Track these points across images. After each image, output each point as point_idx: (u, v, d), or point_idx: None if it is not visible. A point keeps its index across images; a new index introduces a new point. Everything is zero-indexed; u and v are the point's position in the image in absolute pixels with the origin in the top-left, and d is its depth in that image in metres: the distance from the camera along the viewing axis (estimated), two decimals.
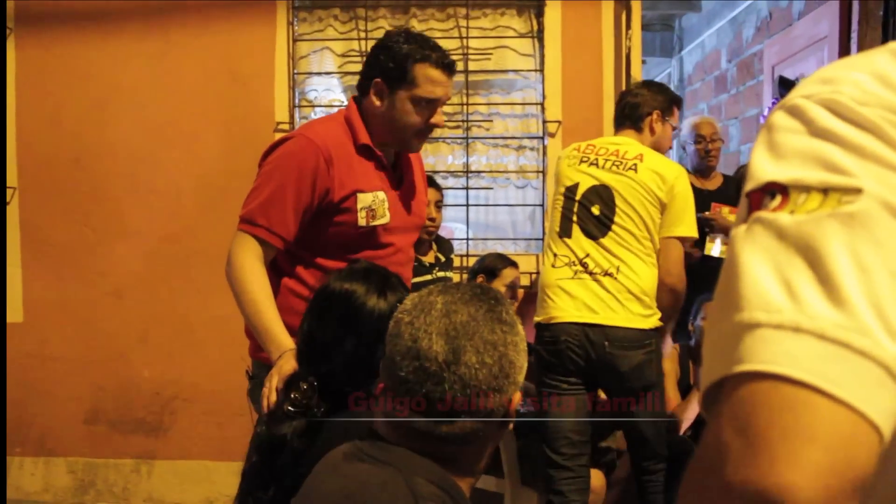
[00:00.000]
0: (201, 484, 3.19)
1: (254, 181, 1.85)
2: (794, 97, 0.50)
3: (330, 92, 3.23)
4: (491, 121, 3.23)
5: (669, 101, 2.55)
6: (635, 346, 2.28)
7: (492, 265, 2.81)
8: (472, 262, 2.97)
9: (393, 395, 1.03)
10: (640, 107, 2.49)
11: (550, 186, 3.12)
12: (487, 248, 3.21)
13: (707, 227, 3.05)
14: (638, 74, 3.09)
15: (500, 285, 2.75)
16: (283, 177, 1.78)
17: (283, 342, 1.66)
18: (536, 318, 2.45)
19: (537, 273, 3.15)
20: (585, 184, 2.39)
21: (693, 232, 2.43)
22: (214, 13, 3.17)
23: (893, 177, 0.45)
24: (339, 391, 1.43)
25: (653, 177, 2.34)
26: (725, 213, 3.13)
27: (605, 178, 2.37)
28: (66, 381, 3.23)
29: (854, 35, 3.10)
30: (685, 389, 2.86)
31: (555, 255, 2.41)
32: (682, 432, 2.63)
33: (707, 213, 3.07)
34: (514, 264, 2.84)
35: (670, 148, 2.69)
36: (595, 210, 2.36)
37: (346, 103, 2.14)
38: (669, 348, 2.62)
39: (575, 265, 2.35)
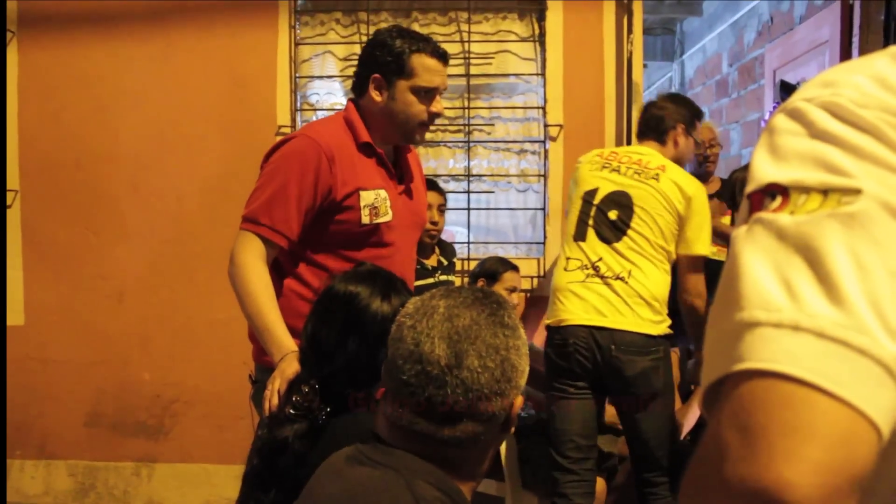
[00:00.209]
0: (202, 487, 3.19)
1: (256, 182, 1.85)
2: (795, 100, 0.51)
3: (332, 95, 3.24)
4: (492, 124, 3.23)
5: (693, 115, 2.59)
6: (642, 351, 2.28)
7: (492, 269, 2.81)
8: (473, 265, 2.97)
9: (395, 398, 1.03)
10: (664, 119, 2.52)
11: (552, 190, 3.13)
12: (488, 251, 3.21)
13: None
14: (639, 78, 3.09)
15: (500, 289, 2.75)
16: (286, 176, 1.79)
17: (285, 344, 1.66)
18: (547, 321, 2.47)
19: (538, 276, 3.15)
20: (605, 189, 2.41)
21: (709, 250, 2.45)
22: (216, 16, 3.17)
23: (892, 178, 0.46)
24: (341, 393, 1.43)
25: (673, 189, 2.37)
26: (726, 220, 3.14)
27: (626, 184, 2.39)
28: (66, 384, 3.23)
29: (855, 39, 3.11)
30: (685, 394, 2.86)
31: (567, 258, 2.43)
32: (682, 437, 2.63)
33: None
34: (514, 268, 2.84)
35: (691, 161, 2.70)
36: (612, 215, 2.37)
37: None
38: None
39: (587, 269, 2.36)
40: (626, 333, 2.28)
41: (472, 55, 3.17)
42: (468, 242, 3.21)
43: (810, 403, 0.41)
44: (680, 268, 2.41)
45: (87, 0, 3.19)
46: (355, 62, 1.98)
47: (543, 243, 3.17)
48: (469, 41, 3.16)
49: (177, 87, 3.18)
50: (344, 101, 3.18)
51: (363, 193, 1.84)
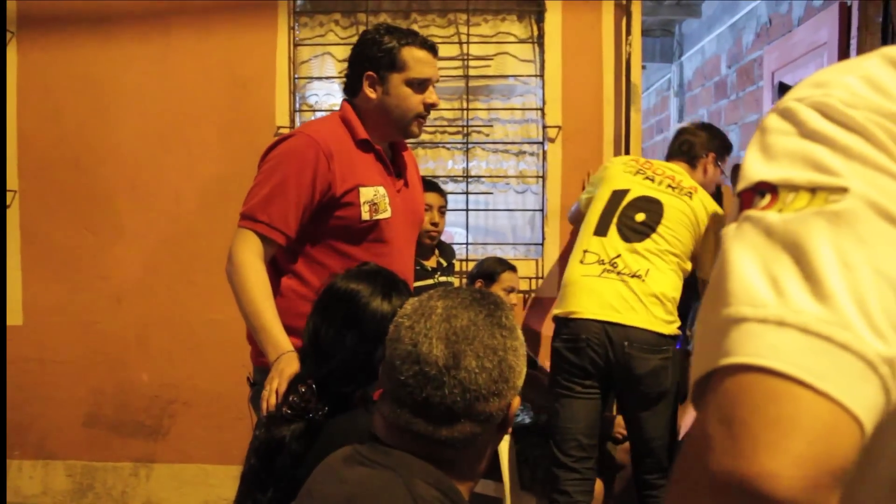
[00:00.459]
0: (200, 487, 3.19)
1: (254, 180, 1.86)
2: (787, 100, 0.52)
3: (331, 96, 3.24)
4: (491, 126, 3.24)
5: (724, 148, 2.68)
6: (653, 349, 2.29)
7: (490, 269, 2.81)
8: (471, 266, 2.98)
9: (393, 398, 1.03)
10: (695, 146, 2.61)
11: (551, 191, 3.14)
12: (487, 252, 3.22)
13: None
14: (638, 80, 3.10)
15: (498, 289, 2.75)
16: (284, 173, 1.79)
17: (281, 343, 1.66)
18: (556, 312, 2.47)
19: (537, 277, 3.15)
20: (636, 192, 2.45)
21: None
22: (215, 17, 3.17)
23: (880, 177, 0.46)
24: (338, 392, 1.44)
25: (702, 210, 2.44)
26: None
27: (659, 194, 2.44)
28: (65, 384, 3.23)
29: (853, 41, 3.11)
30: (684, 396, 2.86)
31: (585, 251, 2.44)
32: (680, 438, 2.63)
33: None
34: (512, 268, 2.84)
35: (712, 192, 2.78)
36: (639, 217, 2.41)
37: None
38: None
39: (604, 264, 2.38)
40: (640, 331, 2.29)
41: (470, 56, 3.17)
42: (466, 243, 3.22)
43: (793, 397, 0.42)
44: (702, 288, 2.44)
45: (87, 1, 3.19)
46: None
47: (542, 244, 3.17)
48: (468, 42, 3.16)
49: (176, 88, 3.18)
50: None
51: (363, 190, 1.84)
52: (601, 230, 2.43)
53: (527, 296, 3.14)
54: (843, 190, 0.46)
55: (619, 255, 2.36)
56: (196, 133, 3.18)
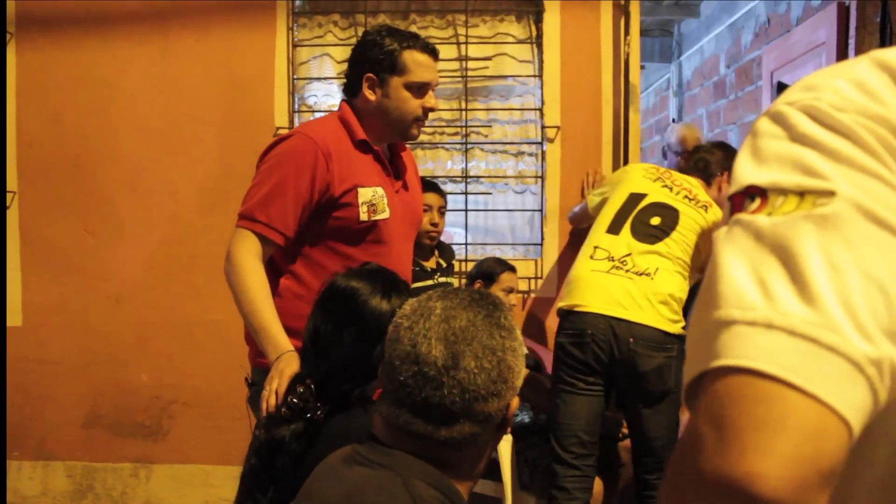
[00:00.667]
0: (199, 488, 3.19)
1: (252, 180, 1.86)
2: (778, 104, 0.52)
3: (329, 97, 3.24)
4: (490, 126, 3.24)
5: None
6: (659, 347, 2.29)
7: (489, 270, 2.81)
8: (471, 266, 2.98)
9: (392, 399, 1.03)
10: (711, 164, 2.64)
11: (550, 191, 3.14)
12: (486, 252, 3.22)
13: None
14: (636, 80, 3.10)
15: (498, 290, 2.76)
16: (283, 173, 1.79)
17: (280, 343, 1.66)
18: (560, 304, 2.47)
19: (536, 278, 3.16)
20: (654, 197, 2.48)
21: None
22: (214, 17, 3.17)
23: (867, 180, 0.47)
24: (337, 391, 1.44)
25: (716, 225, 2.44)
26: None
27: (676, 203, 2.46)
28: (64, 384, 3.23)
29: (851, 41, 3.12)
30: None
31: (595, 247, 2.46)
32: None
33: None
34: (511, 269, 2.84)
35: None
36: (654, 221, 2.43)
37: None
38: None
39: (613, 261, 2.39)
40: (645, 328, 2.29)
41: (469, 57, 3.17)
42: (466, 244, 3.22)
43: (781, 399, 0.42)
44: None
45: (86, 1, 3.19)
46: None
47: (541, 244, 3.17)
48: (467, 43, 3.16)
49: (175, 89, 3.19)
50: None
51: (361, 190, 1.84)
52: (614, 229, 2.45)
53: (526, 296, 3.14)
54: (830, 193, 0.46)
55: (629, 254, 2.38)
56: (195, 134, 3.18)
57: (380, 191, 1.88)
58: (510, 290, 2.79)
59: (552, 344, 2.60)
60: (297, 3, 3.21)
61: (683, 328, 2.38)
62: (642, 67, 4.85)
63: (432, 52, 1.90)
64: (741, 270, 0.46)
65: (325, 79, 3.23)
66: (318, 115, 3.20)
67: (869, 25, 3.05)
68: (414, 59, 1.87)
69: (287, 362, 1.58)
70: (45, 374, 3.24)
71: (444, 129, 3.23)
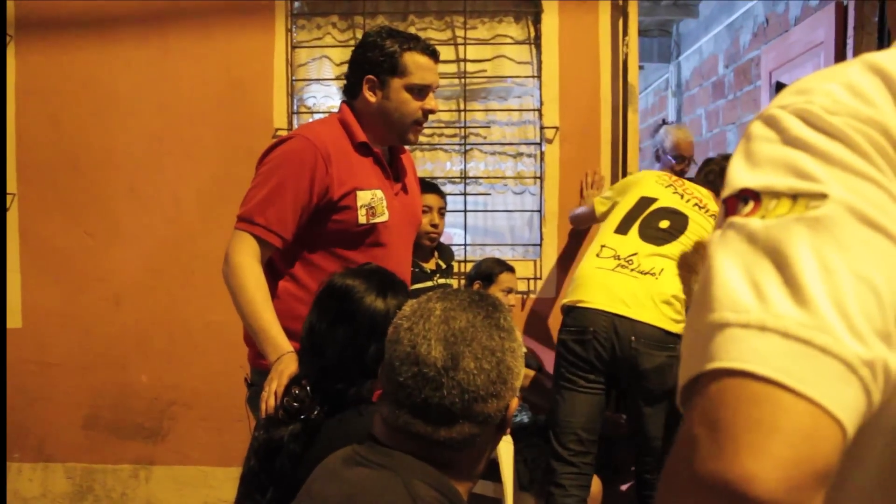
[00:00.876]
0: (199, 489, 3.19)
1: (251, 182, 1.86)
2: (771, 107, 0.53)
3: (329, 99, 3.24)
4: (489, 127, 3.24)
5: None
6: (660, 346, 2.30)
7: (488, 270, 2.81)
8: (470, 267, 2.98)
9: (392, 399, 1.03)
10: (721, 175, 2.63)
11: (549, 192, 3.14)
12: (485, 253, 3.22)
13: None
14: (635, 80, 3.10)
15: (497, 290, 2.76)
16: (282, 176, 1.79)
17: (280, 344, 1.66)
18: (564, 301, 2.49)
19: (535, 278, 3.16)
20: (664, 202, 2.49)
21: None
22: (213, 19, 3.18)
23: (859, 182, 0.47)
24: (332, 390, 1.44)
25: None
26: None
27: (685, 209, 2.48)
28: (64, 386, 3.24)
29: (850, 41, 3.12)
30: None
31: (602, 246, 2.47)
32: None
33: None
34: (510, 269, 2.84)
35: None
36: (662, 224, 2.45)
37: None
38: None
39: (619, 259, 2.41)
40: (647, 326, 2.30)
41: (468, 58, 3.17)
42: (465, 244, 3.22)
43: (775, 400, 0.42)
44: None
45: (85, 3, 3.20)
46: None
47: (540, 245, 3.18)
48: (465, 44, 3.16)
49: (174, 91, 3.19)
50: None
51: (360, 193, 1.84)
52: (622, 229, 2.47)
53: (525, 296, 3.15)
54: (822, 196, 0.47)
55: (635, 254, 2.39)
56: (194, 135, 3.18)
57: (379, 193, 1.88)
58: (509, 291, 2.79)
59: (554, 342, 2.61)
60: (296, 4, 3.21)
61: None
62: (641, 68, 4.85)
63: (433, 54, 1.90)
64: (735, 273, 0.47)
65: (324, 80, 3.23)
66: (317, 116, 3.20)
67: (867, 25, 3.05)
68: (415, 61, 1.86)
69: (286, 363, 1.59)
70: (45, 376, 3.24)
71: (442, 130, 3.23)
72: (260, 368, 1.79)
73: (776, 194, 0.48)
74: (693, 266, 2.41)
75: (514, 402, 1.06)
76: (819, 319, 0.44)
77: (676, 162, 3.51)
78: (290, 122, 3.16)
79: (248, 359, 1.92)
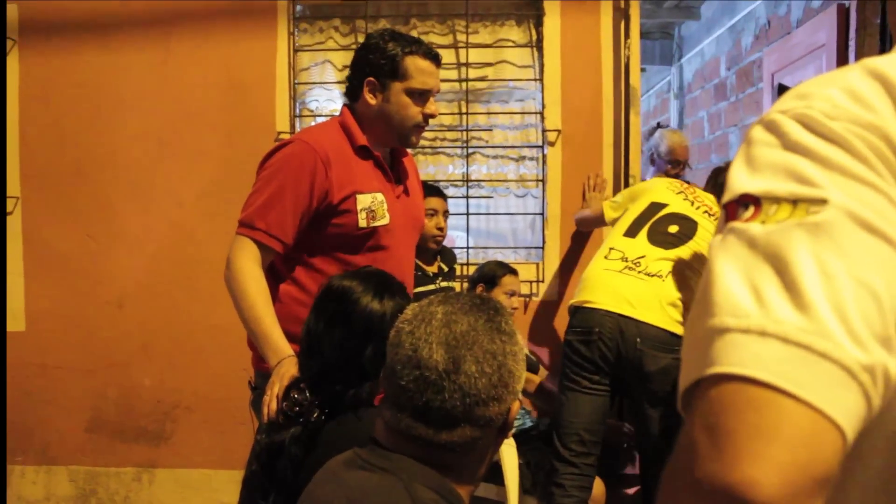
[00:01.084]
0: (202, 492, 3.19)
1: (252, 187, 1.86)
2: (772, 112, 0.53)
3: (331, 102, 3.25)
4: (491, 130, 3.25)
5: None
6: (666, 348, 2.30)
7: (491, 273, 2.81)
8: (472, 270, 2.98)
9: (393, 403, 1.04)
10: None
11: (551, 195, 3.14)
12: (488, 256, 3.22)
13: None
14: (637, 83, 3.11)
15: (500, 293, 2.76)
16: (282, 181, 1.79)
17: (281, 348, 1.66)
18: (571, 301, 2.50)
19: (537, 281, 3.16)
20: (675, 208, 2.51)
21: None
22: (216, 23, 3.18)
23: (859, 187, 0.47)
24: (331, 392, 1.44)
25: None
26: None
27: (695, 216, 2.50)
28: (67, 389, 3.24)
29: (852, 43, 3.12)
30: None
31: (610, 248, 2.49)
32: None
33: None
34: (513, 272, 2.84)
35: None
36: (671, 229, 2.46)
37: None
38: None
39: (627, 261, 2.42)
40: (653, 328, 2.30)
41: (470, 62, 3.18)
42: (467, 247, 3.23)
43: (775, 406, 0.42)
44: None
45: (88, 8, 3.21)
46: None
47: (542, 248, 3.18)
48: (467, 47, 3.17)
49: (176, 94, 3.20)
50: None
51: (360, 197, 1.84)
52: (631, 232, 2.49)
53: (528, 299, 3.15)
54: (822, 201, 0.47)
55: (643, 256, 2.40)
56: (196, 139, 3.19)
57: (379, 197, 1.88)
58: (512, 294, 2.79)
59: (557, 345, 2.61)
60: (298, 7, 3.21)
61: None
62: (643, 70, 4.85)
63: (435, 59, 1.90)
64: (735, 278, 0.47)
65: (326, 83, 3.23)
66: (319, 119, 3.21)
67: (869, 27, 3.05)
68: (416, 65, 1.86)
69: (287, 367, 1.59)
70: (48, 379, 3.25)
71: (445, 133, 3.24)
72: (263, 372, 1.79)
73: (776, 199, 0.48)
74: (699, 270, 2.41)
75: (516, 406, 1.06)
76: (819, 325, 0.44)
77: (672, 166, 3.53)
78: (293, 126, 3.17)
79: (251, 362, 1.93)
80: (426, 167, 3.23)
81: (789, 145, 0.50)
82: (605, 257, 2.47)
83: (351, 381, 1.44)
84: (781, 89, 3.48)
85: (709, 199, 2.59)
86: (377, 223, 1.86)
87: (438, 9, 3.21)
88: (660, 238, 2.43)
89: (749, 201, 0.49)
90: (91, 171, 3.22)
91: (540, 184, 3.20)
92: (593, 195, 3.05)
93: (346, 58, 3.18)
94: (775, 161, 0.50)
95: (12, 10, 3.19)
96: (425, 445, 1.01)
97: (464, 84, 3.17)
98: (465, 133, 3.22)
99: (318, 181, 1.80)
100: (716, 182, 2.69)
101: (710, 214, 2.51)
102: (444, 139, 3.25)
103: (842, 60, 3.16)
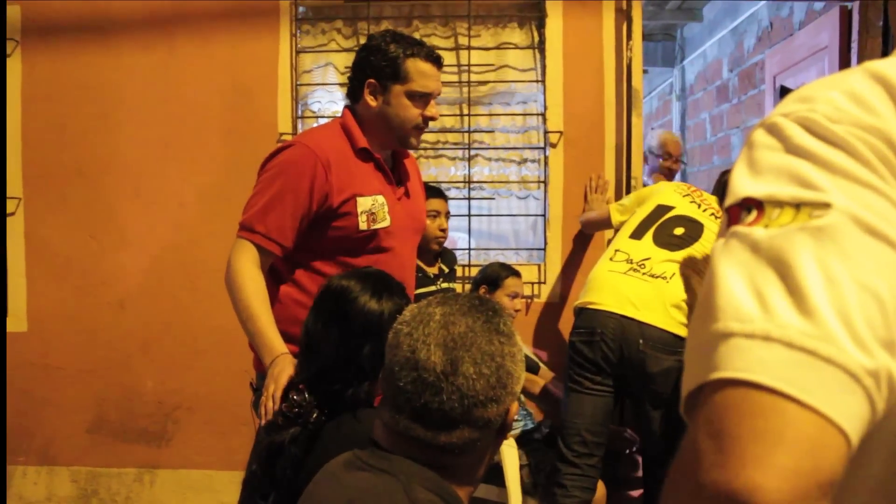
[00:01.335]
0: (203, 493, 3.20)
1: (252, 189, 1.86)
2: (774, 115, 0.52)
3: (333, 104, 3.25)
4: (492, 132, 3.25)
5: None
6: (668, 349, 2.29)
7: (494, 275, 2.81)
8: (474, 271, 2.98)
9: (392, 404, 1.04)
10: None
11: (553, 196, 3.14)
12: (490, 257, 3.22)
13: None
14: (639, 84, 3.11)
15: (502, 295, 2.76)
16: (282, 184, 1.79)
17: (274, 346, 1.66)
18: (576, 303, 2.51)
19: (539, 282, 3.16)
20: (681, 211, 2.52)
21: None
22: (218, 25, 3.19)
23: (861, 191, 0.47)
24: (330, 392, 1.44)
25: None
26: None
27: (701, 218, 2.50)
28: (69, 390, 3.25)
29: (854, 45, 3.12)
30: None
31: (616, 250, 2.50)
32: None
33: None
34: (516, 274, 2.84)
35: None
36: (677, 231, 2.47)
37: None
38: None
39: (631, 263, 2.42)
40: (656, 329, 2.30)
41: (472, 63, 3.18)
42: (469, 248, 3.23)
43: (780, 411, 0.42)
44: None
45: (91, 9, 3.21)
46: None
47: (544, 249, 3.18)
48: (469, 49, 3.17)
49: (178, 95, 3.20)
50: None
51: (360, 199, 1.84)
52: (637, 235, 2.50)
53: (529, 300, 3.15)
54: (826, 205, 0.46)
55: (648, 258, 2.40)
56: (199, 140, 3.20)
57: (380, 199, 1.87)
58: (515, 296, 2.79)
59: (558, 346, 2.61)
60: (301, 9, 3.22)
61: None
62: (645, 72, 4.86)
63: (436, 61, 1.89)
64: (738, 283, 0.46)
65: (328, 84, 3.23)
66: (322, 121, 3.21)
67: (871, 29, 3.05)
68: (417, 67, 1.85)
69: (282, 366, 1.59)
70: (50, 380, 3.25)
71: (447, 135, 3.24)
72: (264, 373, 1.79)
73: (779, 203, 0.48)
74: (705, 272, 2.41)
75: (515, 407, 1.06)
76: (823, 329, 0.43)
77: (663, 159, 3.57)
78: (295, 127, 3.17)
79: (252, 364, 1.93)
80: (428, 169, 3.23)
81: (792, 149, 0.50)
82: (611, 259, 2.48)
83: (349, 381, 1.43)
84: (783, 91, 3.48)
85: (714, 200, 2.59)
86: (378, 226, 1.86)
87: (441, 11, 3.21)
88: (665, 240, 2.43)
89: (752, 205, 0.49)
90: (93, 172, 3.23)
91: (542, 185, 3.20)
92: (595, 197, 3.05)
93: (348, 59, 3.17)
94: (778, 164, 0.49)
95: (15, 11, 3.20)
96: (424, 447, 1.01)
97: (466, 86, 3.17)
98: (467, 135, 3.22)
99: (318, 184, 1.79)
100: (723, 183, 2.70)
101: (716, 217, 2.51)
102: (446, 141, 3.25)
103: (844, 63, 3.15)
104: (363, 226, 1.84)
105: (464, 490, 1.05)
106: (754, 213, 0.48)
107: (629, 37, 3.09)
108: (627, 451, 2.86)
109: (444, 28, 3.21)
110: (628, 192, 3.04)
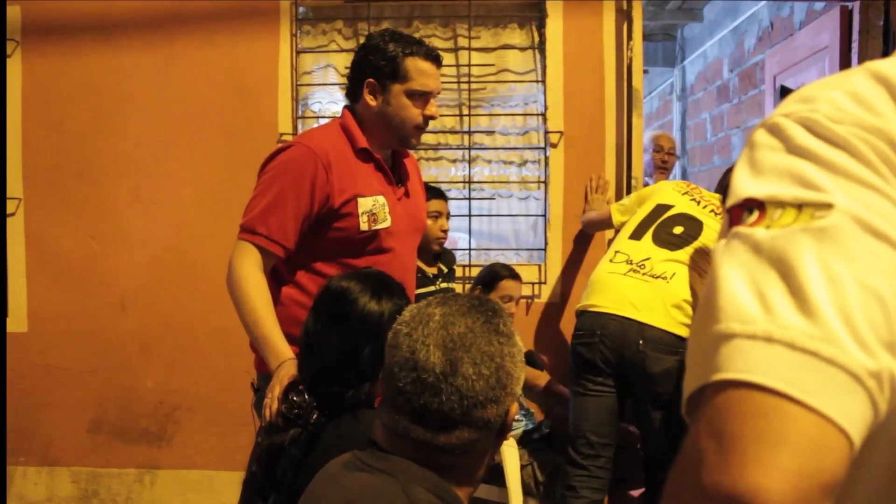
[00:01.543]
0: (204, 493, 3.19)
1: (253, 191, 1.86)
2: (775, 115, 0.52)
3: (334, 104, 3.25)
4: (493, 132, 3.24)
5: None
6: (669, 350, 2.29)
7: (490, 276, 2.80)
8: (475, 272, 2.98)
9: (391, 405, 1.04)
10: None
11: (553, 196, 3.14)
12: (490, 258, 3.22)
13: None
14: (639, 84, 3.10)
15: (495, 297, 2.75)
16: (283, 185, 1.79)
17: (281, 351, 1.66)
18: (577, 306, 2.52)
19: (539, 283, 3.16)
20: (680, 209, 2.52)
21: None
22: (218, 25, 3.19)
23: (863, 192, 0.47)
24: (330, 393, 1.44)
25: None
26: None
27: (701, 216, 2.50)
28: (69, 390, 3.24)
29: (854, 45, 3.11)
30: None
31: (616, 252, 2.50)
32: None
33: None
34: (515, 276, 2.82)
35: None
36: (677, 230, 2.47)
37: None
38: None
39: (631, 264, 2.43)
40: (656, 330, 2.30)
41: (472, 64, 3.18)
42: (469, 249, 3.22)
43: (782, 412, 0.42)
44: None
45: (91, 10, 3.21)
46: None
47: (544, 249, 3.17)
48: (469, 49, 3.17)
49: (179, 96, 3.20)
50: None
51: (361, 200, 1.83)
52: (637, 235, 2.50)
53: (529, 301, 3.14)
54: (828, 206, 0.46)
55: (648, 259, 2.40)
56: (199, 141, 3.19)
57: (381, 199, 1.87)
58: (509, 299, 2.75)
59: (559, 346, 2.61)
60: (301, 9, 3.22)
61: None
62: (645, 72, 4.85)
63: (435, 60, 1.88)
64: (740, 284, 0.46)
65: (329, 85, 3.23)
66: (322, 121, 3.20)
67: (872, 29, 3.05)
68: (416, 66, 1.85)
69: (287, 369, 1.59)
70: (51, 380, 3.25)
71: (447, 136, 3.24)
72: (266, 373, 1.79)
73: (781, 204, 0.48)
74: (706, 269, 2.41)
75: (514, 407, 1.06)
76: (825, 330, 0.43)
77: (655, 151, 3.61)
78: (295, 127, 3.17)
79: (253, 364, 1.93)
80: (428, 169, 3.23)
81: (793, 149, 0.49)
82: (611, 260, 2.48)
83: (349, 382, 1.43)
84: (783, 91, 3.48)
85: (715, 198, 2.59)
86: (379, 226, 1.85)
87: (441, 11, 3.21)
88: (665, 240, 2.44)
89: (753, 206, 0.49)
90: (93, 173, 3.23)
91: (542, 186, 3.20)
92: (596, 197, 3.05)
93: (349, 60, 3.15)
94: (779, 165, 0.49)
95: (15, 12, 3.20)
96: (423, 447, 1.01)
97: (466, 86, 3.17)
98: (467, 136, 3.22)
99: (318, 185, 1.79)
100: (725, 184, 2.69)
101: (716, 213, 2.52)
102: (446, 142, 3.25)
103: (845, 63, 3.15)
104: (364, 226, 1.83)
105: (464, 491, 1.05)
106: (756, 214, 0.48)
107: (629, 37, 3.08)
108: (638, 446, 2.85)
109: (444, 29, 3.21)
110: (629, 192, 3.03)
